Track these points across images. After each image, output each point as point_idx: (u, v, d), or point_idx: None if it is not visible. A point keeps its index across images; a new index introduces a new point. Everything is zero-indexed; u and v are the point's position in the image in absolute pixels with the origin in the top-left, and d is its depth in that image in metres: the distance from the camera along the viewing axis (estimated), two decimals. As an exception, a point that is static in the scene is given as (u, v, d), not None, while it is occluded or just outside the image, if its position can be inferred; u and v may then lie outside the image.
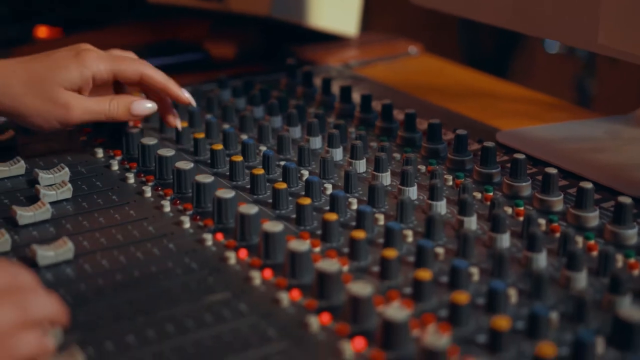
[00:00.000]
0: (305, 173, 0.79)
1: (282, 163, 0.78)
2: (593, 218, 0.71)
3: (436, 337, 0.52)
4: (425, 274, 0.59)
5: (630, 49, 0.81)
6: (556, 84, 2.34)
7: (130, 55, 0.86)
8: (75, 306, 0.59)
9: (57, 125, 0.80)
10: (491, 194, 0.75)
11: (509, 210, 0.73)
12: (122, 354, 0.55)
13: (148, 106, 0.82)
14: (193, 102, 0.87)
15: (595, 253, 0.66)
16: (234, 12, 1.15)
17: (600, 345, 0.54)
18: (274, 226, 0.65)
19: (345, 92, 0.97)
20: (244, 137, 0.88)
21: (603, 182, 0.77)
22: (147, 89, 0.85)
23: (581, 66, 2.31)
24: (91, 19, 1.27)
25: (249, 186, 0.77)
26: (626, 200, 0.69)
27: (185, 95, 0.85)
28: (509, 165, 0.78)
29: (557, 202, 0.74)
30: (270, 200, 0.74)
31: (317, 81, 1.05)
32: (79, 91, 0.80)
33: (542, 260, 0.64)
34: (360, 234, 0.64)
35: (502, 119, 0.97)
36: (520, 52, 2.58)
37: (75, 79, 0.79)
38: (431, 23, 2.34)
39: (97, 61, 0.80)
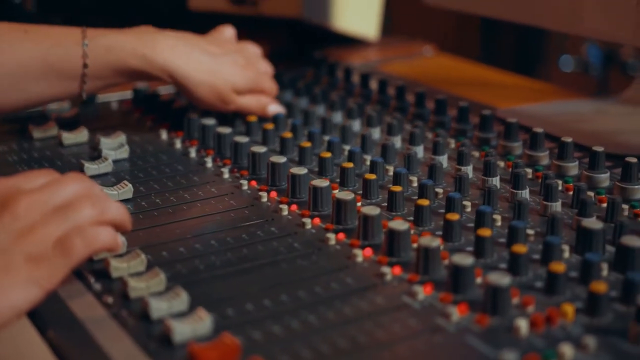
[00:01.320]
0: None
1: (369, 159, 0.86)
2: (572, 168, 0.83)
3: (500, 276, 0.60)
4: (453, 216, 0.70)
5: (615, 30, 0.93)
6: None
7: (258, 51, 1.01)
8: (136, 231, 0.72)
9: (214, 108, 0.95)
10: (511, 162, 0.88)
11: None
12: (176, 261, 0.68)
13: (280, 110, 0.98)
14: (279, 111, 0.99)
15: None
16: (267, 15, 1.29)
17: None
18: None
19: (365, 78, 1.10)
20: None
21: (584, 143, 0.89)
22: None
23: (595, 84, 2.42)
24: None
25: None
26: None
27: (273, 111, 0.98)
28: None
29: (544, 157, 0.86)
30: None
31: (340, 74, 1.17)
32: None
33: (525, 194, 0.77)
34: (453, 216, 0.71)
35: (506, 103, 1.09)
36: (536, 71, 2.70)
37: (243, 86, 0.95)
38: (454, 44, 2.46)
39: (257, 76, 0.96)
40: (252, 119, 0.96)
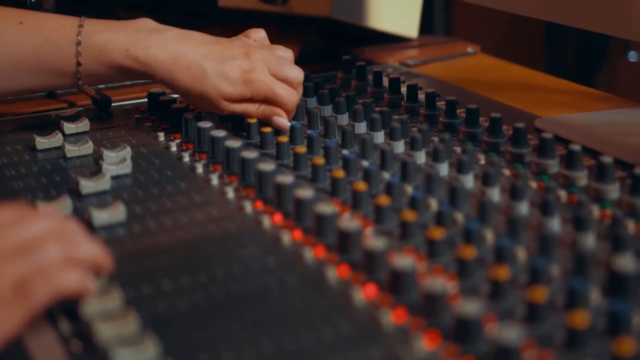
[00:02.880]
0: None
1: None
2: (612, 191, 0.74)
3: (510, 330, 0.53)
4: (438, 233, 0.64)
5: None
6: (639, 92, 2.32)
7: (289, 56, 0.94)
8: (122, 260, 0.66)
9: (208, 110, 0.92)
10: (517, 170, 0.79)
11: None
12: (157, 297, 0.62)
13: (287, 125, 0.91)
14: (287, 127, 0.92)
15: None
16: (296, 13, 1.22)
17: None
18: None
19: (394, 83, 1.02)
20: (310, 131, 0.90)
21: (625, 160, 0.80)
22: None
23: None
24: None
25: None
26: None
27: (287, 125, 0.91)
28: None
29: (580, 177, 0.77)
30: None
31: (371, 77, 1.10)
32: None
33: (555, 224, 0.68)
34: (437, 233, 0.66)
35: (547, 110, 1.00)
36: (603, 62, 2.57)
37: (234, 96, 0.89)
38: (516, 34, 2.36)
39: (260, 85, 0.89)
40: (267, 130, 0.89)
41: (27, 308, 0.54)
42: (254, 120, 0.91)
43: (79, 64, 0.87)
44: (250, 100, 0.90)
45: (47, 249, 0.56)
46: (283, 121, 0.91)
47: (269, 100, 0.90)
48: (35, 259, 0.55)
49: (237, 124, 0.93)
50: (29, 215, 0.58)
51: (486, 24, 2.22)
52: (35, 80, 0.88)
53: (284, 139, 0.86)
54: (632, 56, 2.33)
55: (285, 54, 0.94)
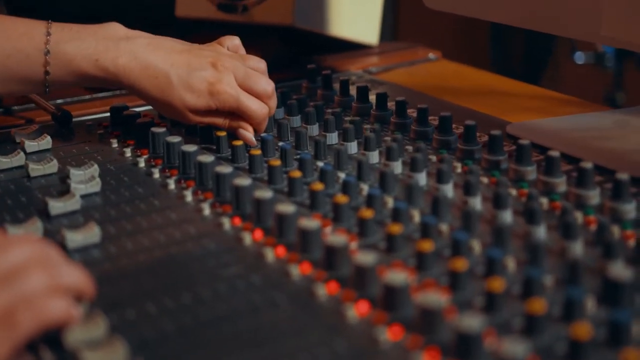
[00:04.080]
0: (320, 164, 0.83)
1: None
2: (593, 196, 0.74)
3: (513, 345, 0.52)
4: (427, 245, 0.63)
5: (634, 39, 0.84)
6: (585, 95, 2.35)
7: (262, 67, 0.93)
8: (101, 283, 0.63)
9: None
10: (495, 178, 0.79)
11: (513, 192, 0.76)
12: (143, 322, 0.59)
13: (253, 141, 0.89)
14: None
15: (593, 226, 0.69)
16: (257, 22, 1.20)
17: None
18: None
19: (363, 92, 1.01)
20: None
21: (604, 165, 0.80)
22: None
23: (609, 77, 2.33)
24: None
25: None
26: (623, 176, 0.71)
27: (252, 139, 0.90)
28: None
29: (560, 184, 0.77)
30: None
31: (336, 85, 1.08)
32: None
33: (542, 233, 0.67)
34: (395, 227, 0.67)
35: (515, 115, 1.00)
36: (549, 63, 2.61)
37: (199, 107, 0.87)
38: (462, 35, 2.37)
39: (226, 97, 0.87)
40: (237, 143, 0.87)
41: (12, 339, 0.52)
42: (223, 134, 0.89)
43: (47, 73, 0.85)
44: (217, 112, 0.88)
45: (30, 278, 0.53)
46: (248, 135, 0.89)
47: (236, 113, 0.88)
48: (19, 288, 0.53)
49: (205, 136, 0.91)
50: (9, 243, 0.55)
51: (433, 27, 2.23)
52: (4, 87, 0.86)
53: (257, 152, 0.85)
54: (579, 57, 2.36)
55: (257, 64, 0.92)
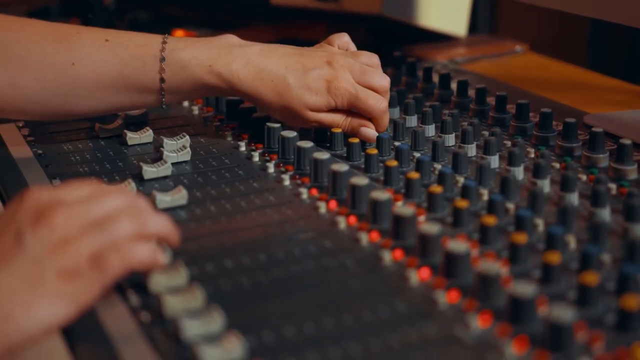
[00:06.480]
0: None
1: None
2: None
3: (563, 310, 0.54)
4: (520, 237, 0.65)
5: None
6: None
7: (375, 61, 0.92)
8: (185, 240, 0.69)
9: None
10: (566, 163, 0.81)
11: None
12: (220, 276, 0.65)
13: (374, 136, 0.88)
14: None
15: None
16: (348, 11, 1.25)
17: None
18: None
19: (445, 79, 1.04)
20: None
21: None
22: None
23: None
24: (220, 23, 1.39)
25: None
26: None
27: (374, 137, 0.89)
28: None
29: (631, 171, 0.79)
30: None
31: (420, 73, 1.12)
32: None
33: (606, 214, 0.70)
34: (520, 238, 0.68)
35: (597, 107, 1.01)
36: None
37: (319, 105, 0.87)
38: (562, 32, 2.36)
39: (344, 93, 0.87)
40: (354, 140, 0.87)
41: (102, 280, 0.57)
42: (338, 130, 0.89)
43: (162, 80, 0.86)
44: (336, 110, 0.89)
45: (121, 224, 0.59)
46: (371, 132, 0.89)
47: (354, 108, 0.89)
48: (110, 234, 0.58)
49: (319, 135, 0.91)
50: (103, 192, 0.61)
51: (532, 22, 2.23)
52: (121, 97, 0.87)
53: (354, 140, 0.86)
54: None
55: (370, 59, 0.92)
